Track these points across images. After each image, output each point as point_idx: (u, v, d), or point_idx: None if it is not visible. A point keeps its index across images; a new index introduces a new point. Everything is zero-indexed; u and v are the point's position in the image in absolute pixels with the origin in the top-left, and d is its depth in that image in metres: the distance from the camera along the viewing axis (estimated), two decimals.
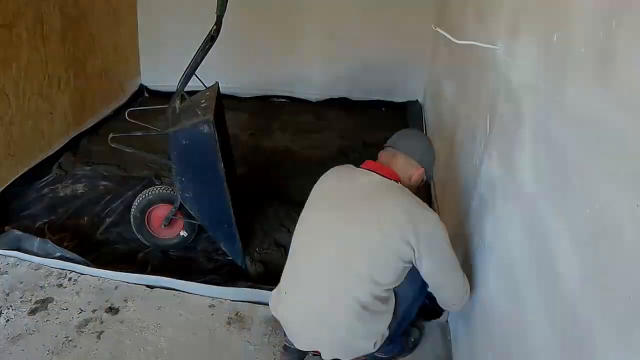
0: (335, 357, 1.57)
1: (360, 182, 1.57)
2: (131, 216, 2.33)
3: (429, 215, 1.49)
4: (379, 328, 1.53)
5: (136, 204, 2.31)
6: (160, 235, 2.38)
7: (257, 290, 2.07)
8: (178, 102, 2.16)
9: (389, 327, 1.55)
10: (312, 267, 1.55)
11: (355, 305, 1.46)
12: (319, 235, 1.56)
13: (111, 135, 2.11)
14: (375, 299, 1.48)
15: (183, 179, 2.08)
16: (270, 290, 2.05)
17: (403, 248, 1.43)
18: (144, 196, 2.31)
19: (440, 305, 1.66)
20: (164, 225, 2.31)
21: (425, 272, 1.49)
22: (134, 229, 2.35)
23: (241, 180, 2.76)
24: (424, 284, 1.58)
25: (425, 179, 1.72)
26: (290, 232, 2.53)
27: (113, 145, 2.09)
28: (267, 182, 3.03)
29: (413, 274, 1.53)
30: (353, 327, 1.49)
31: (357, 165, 1.69)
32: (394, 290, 1.55)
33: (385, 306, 1.52)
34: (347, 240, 1.49)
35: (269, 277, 2.18)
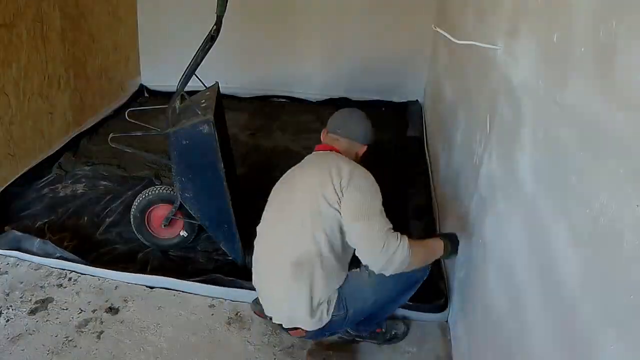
0: (279, 322, 1.69)
1: (301, 164, 1.83)
2: (131, 216, 2.33)
3: (358, 169, 1.67)
4: (315, 294, 1.60)
5: (136, 204, 2.31)
6: (160, 235, 2.38)
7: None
8: (178, 102, 2.16)
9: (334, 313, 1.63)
10: (269, 230, 1.77)
11: (291, 258, 1.60)
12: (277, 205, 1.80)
13: (111, 135, 2.11)
14: (316, 257, 1.59)
15: (183, 179, 2.08)
16: None
17: (330, 193, 1.58)
18: (144, 196, 2.31)
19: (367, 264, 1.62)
20: (164, 225, 2.31)
21: (344, 217, 1.58)
22: (134, 229, 2.35)
23: (241, 180, 2.76)
24: (399, 292, 1.71)
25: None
26: None
27: (113, 145, 2.09)
28: (267, 182, 3.02)
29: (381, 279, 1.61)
30: (288, 284, 1.62)
31: None
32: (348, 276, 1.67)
33: (325, 272, 1.60)
34: (289, 204, 1.71)
35: None
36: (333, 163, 1.67)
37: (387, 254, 1.53)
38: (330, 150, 1.81)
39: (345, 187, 1.59)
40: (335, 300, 1.63)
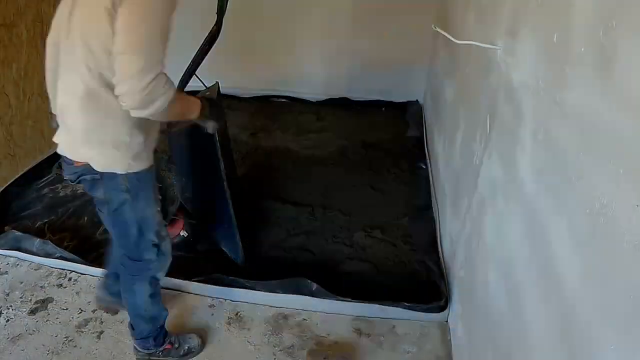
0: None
1: None
2: None
3: None
4: (111, 131, 1.45)
5: None
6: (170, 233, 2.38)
7: (257, 291, 2.07)
8: None
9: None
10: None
11: (79, 92, 1.40)
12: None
13: None
14: (101, 87, 1.39)
15: (183, 179, 2.08)
16: (270, 292, 2.06)
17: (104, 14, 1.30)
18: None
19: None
20: (165, 225, 2.31)
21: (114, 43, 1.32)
22: None
23: (241, 180, 2.77)
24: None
25: None
26: (289, 232, 2.53)
27: None
28: (267, 182, 3.03)
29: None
30: (81, 119, 1.44)
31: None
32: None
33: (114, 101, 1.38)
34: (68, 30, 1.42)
35: (269, 276, 2.17)
36: None
37: (148, 98, 1.32)
38: None
39: (118, 4, 1.31)
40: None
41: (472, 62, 2.16)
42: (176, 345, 1.83)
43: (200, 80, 2.19)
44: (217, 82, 2.37)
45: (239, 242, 2.19)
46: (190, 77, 2.08)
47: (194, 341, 1.87)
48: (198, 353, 1.86)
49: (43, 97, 2.99)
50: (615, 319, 0.78)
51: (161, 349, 1.80)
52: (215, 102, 1.74)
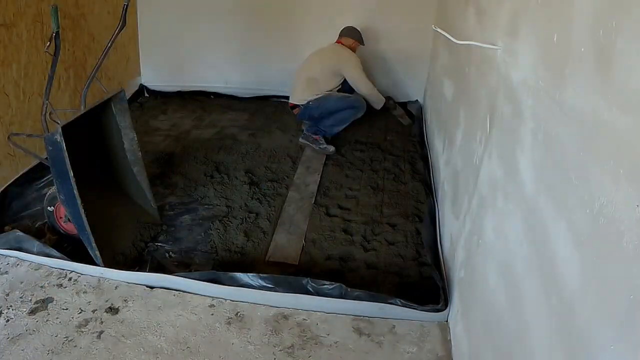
0: None
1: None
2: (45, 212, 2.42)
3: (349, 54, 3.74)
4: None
5: (46, 200, 2.42)
6: (68, 230, 2.42)
7: (257, 290, 2.07)
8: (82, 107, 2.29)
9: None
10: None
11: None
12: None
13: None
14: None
15: (56, 182, 2.19)
16: (270, 291, 2.06)
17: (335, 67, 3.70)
18: (50, 192, 2.42)
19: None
20: (65, 222, 2.40)
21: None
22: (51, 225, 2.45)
23: (240, 180, 2.76)
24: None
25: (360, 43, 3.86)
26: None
27: (11, 145, 2.21)
28: (267, 181, 3.03)
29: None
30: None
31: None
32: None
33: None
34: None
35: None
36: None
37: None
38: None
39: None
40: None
41: (472, 62, 2.16)
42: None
43: (102, 87, 2.26)
44: (122, 89, 2.49)
45: (95, 249, 2.19)
46: (49, 85, 2.22)
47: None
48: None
49: (42, 96, 2.99)
50: (615, 319, 0.78)
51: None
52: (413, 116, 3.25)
